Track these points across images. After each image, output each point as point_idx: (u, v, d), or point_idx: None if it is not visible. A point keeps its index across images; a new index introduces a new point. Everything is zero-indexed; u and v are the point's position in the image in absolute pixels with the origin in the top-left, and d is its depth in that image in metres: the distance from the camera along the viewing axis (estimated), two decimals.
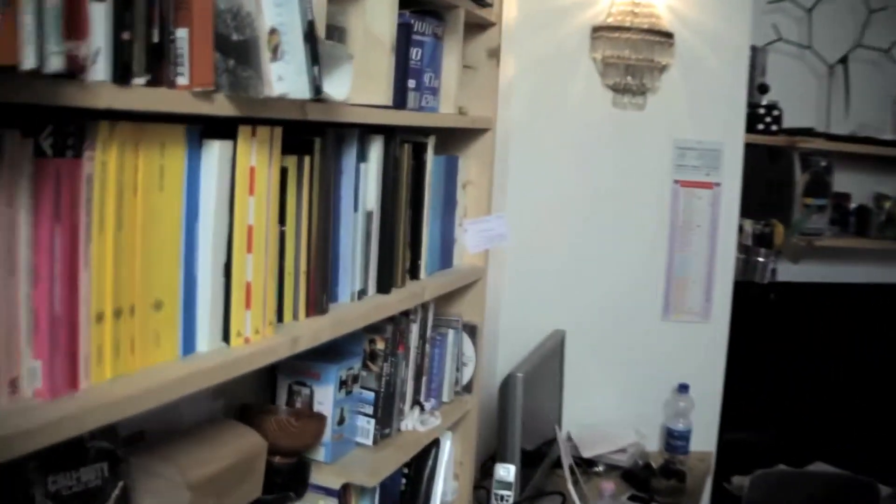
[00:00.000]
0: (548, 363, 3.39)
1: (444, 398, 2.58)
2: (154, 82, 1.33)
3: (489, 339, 3.65)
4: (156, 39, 1.33)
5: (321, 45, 1.56)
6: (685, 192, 3.84)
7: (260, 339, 1.64)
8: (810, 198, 4.36)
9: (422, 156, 2.30)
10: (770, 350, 4.46)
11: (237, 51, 1.41)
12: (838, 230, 4.58)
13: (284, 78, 1.42)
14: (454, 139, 2.60)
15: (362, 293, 2.05)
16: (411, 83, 2.19)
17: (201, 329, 1.55)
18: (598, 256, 3.83)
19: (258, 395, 2.14)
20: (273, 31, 1.39)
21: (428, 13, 2.24)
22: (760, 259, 4.10)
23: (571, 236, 3.83)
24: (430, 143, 2.32)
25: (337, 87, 1.62)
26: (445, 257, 2.52)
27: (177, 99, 1.36)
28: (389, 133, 2.11)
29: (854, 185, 4.74)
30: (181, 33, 1.36)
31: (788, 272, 4.42)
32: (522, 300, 3.83)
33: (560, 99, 3.80)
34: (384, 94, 1.97)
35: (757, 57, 4.39)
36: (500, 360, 3.75)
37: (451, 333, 2.56)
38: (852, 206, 4.66)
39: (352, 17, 1.94)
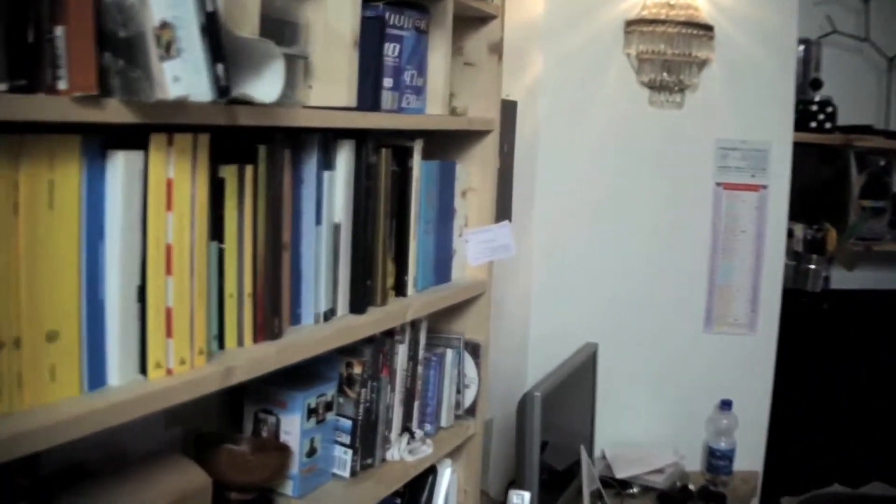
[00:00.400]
0: (576, 379, 3.19)
1: (443, 423, 2.39)
2: (30, 88, 1.17)
3: (518, 353, 3.48)
4: (31, 39, 1.17)
5: (237, 40, 1.39)
6: (728, 195, 3.61)
7: (186, 369, 1.47)
8: (867, 200, 4.09)
9: (406, 161, 2.11)
10: (823, 363, 4.19)
11: (126, 49, 1.24)
12: None
13: (182, 78, 1.25)
14: (452, 143, 2.42)
15: (330, 314, 1.87)
16: (388, 82, 2.00)
17: (112, 361, 1.39)
18: (635, 264, 3.62)
19: (222, 424, 1.97)
20: (165, 26, 1.22)
21: (408, 5, 2.06)
22: (812, 266, 3.86)
23: (605, 243, 3.62)
24: (417, 147, 2.14)
25: (266, 87, 1.45)
26: (441, 271, 2.33)
27: (54, 106, 1.19)
28: (363, 137, 1.93)
29: None
30: (59, 31, 1.20)
31: (843, 279, 4.17)
32: (554, 310, 3.63)
33: (592, 97, 3.60)
34: (346, 95, 1.79)
35: (810, 51, 4.15)
36: (530, 374, 3.56)
37: (449, 353, 2.37)
38: None
39: (311, 10, 1.77)
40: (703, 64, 3.55)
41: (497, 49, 2.44)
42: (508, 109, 3.24)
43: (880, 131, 4.24)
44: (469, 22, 2.42)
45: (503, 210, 3.22)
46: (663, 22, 3.45)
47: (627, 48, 3.56)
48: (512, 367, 3.47)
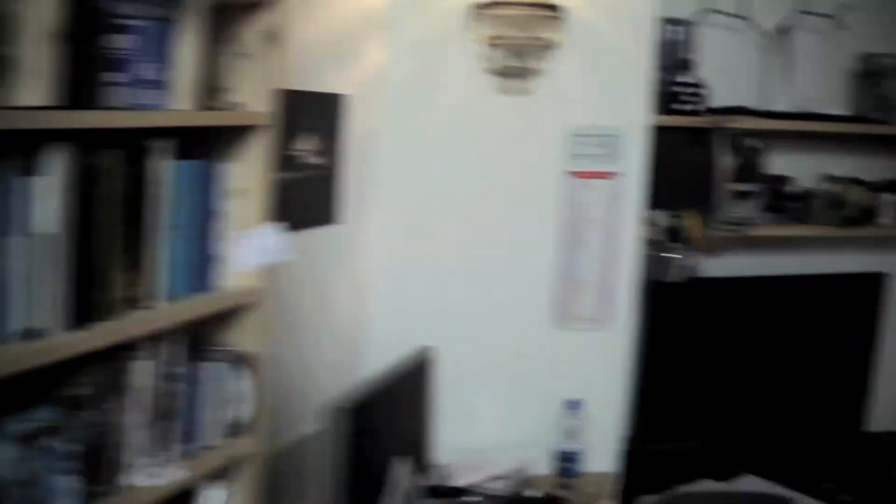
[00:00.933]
0: (403, 386, 3.12)
1: (208, 442, 2.28)
2: None
3: (351, 362, 3.38)
4: None
5: None
6: (581, 184, 3.54)
7: None
8: (741, 183, 4.02)
9: (144, 163, 2.01)
10: (691, 354, 4.17)
11: None
12: (776, 217, 4.25)
13: None
14: (220, 140, 2.31)
15: (34, 332, 1.76)
16: (115, 77, 1.89)
17: None
18: (482, 261, 3.54)
19: None
20: None
21: None
22: (673, 255, 3.78)
23: (451, 240, 3.53)
24: (159, 146, 2.03)
25: None
26: (199, 279, 2.22)
27: None
28: (88, 139, 1.82)
29: (798, 168, 4.43)
30: None
31: (719, 267, 4.13)
32: (394, 315, 3.53)
33: (437, 88, 3.51)
34: (48, 92, 1.69)
35: (684, 31, 4.08)
36: None
37: (216, 367, 2.27)
38: (793, 190, 4.34)
39: (20, 3, 1.66)
40: (552, 47, 3.46)
41: (274, 37, 2.34)
42: (331, 103, 3.15)
43: (756, 112, 4.18)
44: (243, 8, 2.31)
45: (328, 211, 3.16)
46: (509, 4, 3.36)
47: (475, 34, 3.45)
48: (344, 377, 3.35)
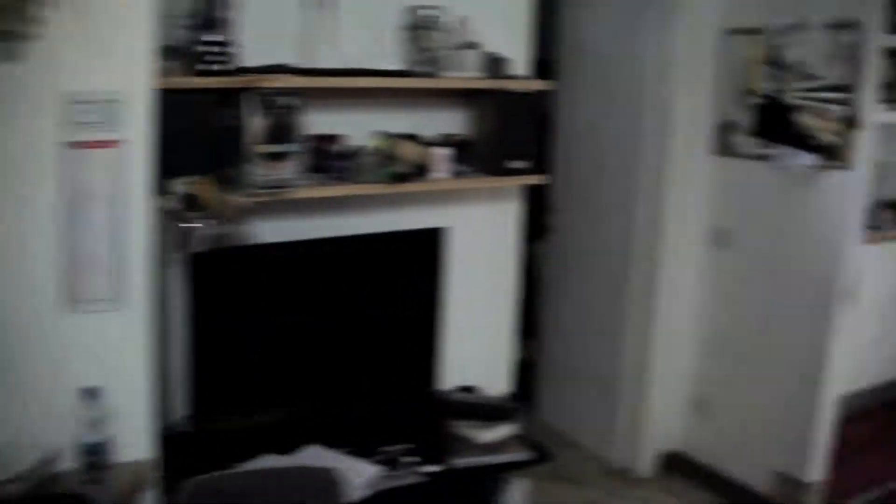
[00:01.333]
0: None
1: None
2: None
3: None
4: None
5: None
6: (81, 154, 3.41)
7: None
8: (275, 144, 4.00)
9: None
10: (248, 327, 4.19)
11: None
12: (325, 178, 4.27)
13: None
14: None
15: None
16: None
17: None
18: None
19: None
20: None
21: None
22: (191, 225, 3.71)
23: None
24: None
25: None
26: None
27: None
28: None
29: (352, 126, 4.48)
30: None
31: (270, 232, 4.18)
32: None
33: None
34: None
35: None
36: None
37: None
38: (342, 148, 4.37)
39: None
40: (44, 7, 3.31)
41: None
42: None
43: (294, 69, 4.16)
44: None
45: None
46: None
47: None
48: None
